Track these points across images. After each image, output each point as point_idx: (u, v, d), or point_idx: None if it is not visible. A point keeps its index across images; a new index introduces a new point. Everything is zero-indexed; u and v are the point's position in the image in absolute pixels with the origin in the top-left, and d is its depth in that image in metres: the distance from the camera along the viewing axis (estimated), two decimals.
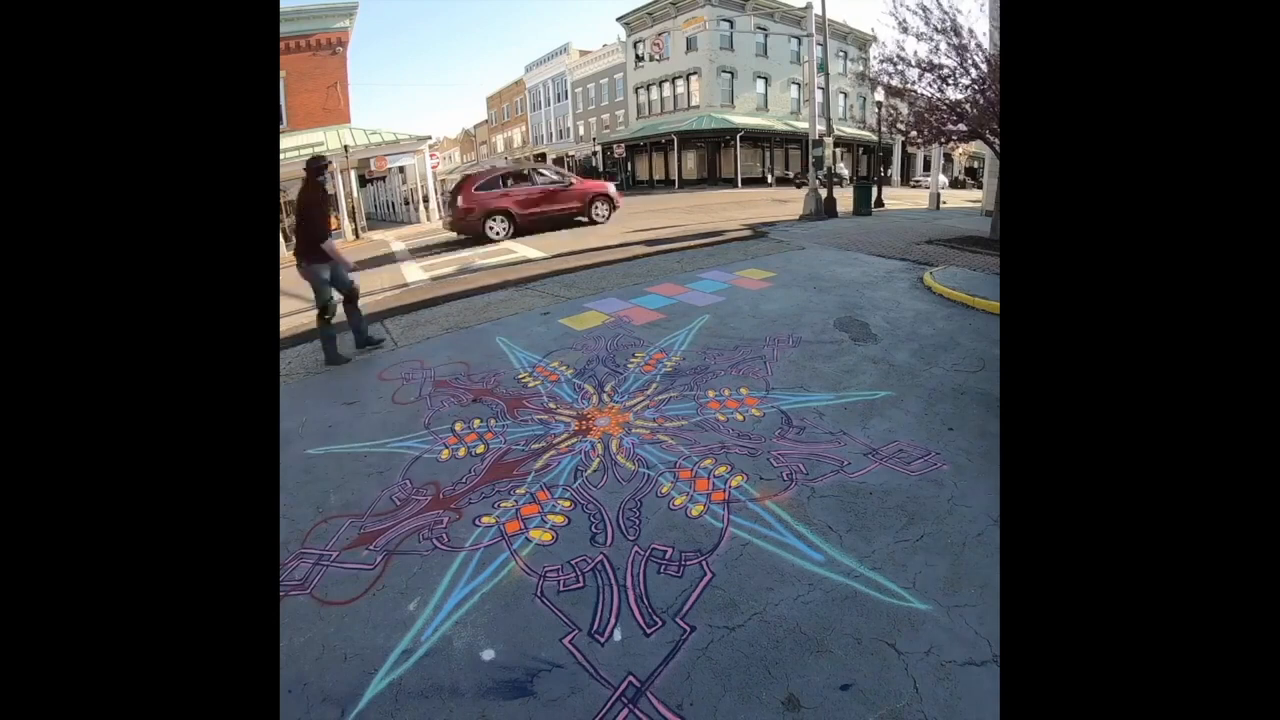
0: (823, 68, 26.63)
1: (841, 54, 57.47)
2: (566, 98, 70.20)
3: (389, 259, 22.12)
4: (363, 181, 39.55)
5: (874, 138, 35.62)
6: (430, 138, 38.77)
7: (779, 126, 53.89)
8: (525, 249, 19.71)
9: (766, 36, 53.10)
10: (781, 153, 55.77)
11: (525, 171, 25.04)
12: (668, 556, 4.41)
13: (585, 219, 24.81)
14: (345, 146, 32.27)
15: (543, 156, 75.97)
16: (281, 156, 29.55)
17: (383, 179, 44.37)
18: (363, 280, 17.08)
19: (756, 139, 53.01)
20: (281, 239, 28.47)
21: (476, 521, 5.00)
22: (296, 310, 14.02)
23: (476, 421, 6.86)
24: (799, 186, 41.42)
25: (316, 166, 8.88)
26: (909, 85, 17.87)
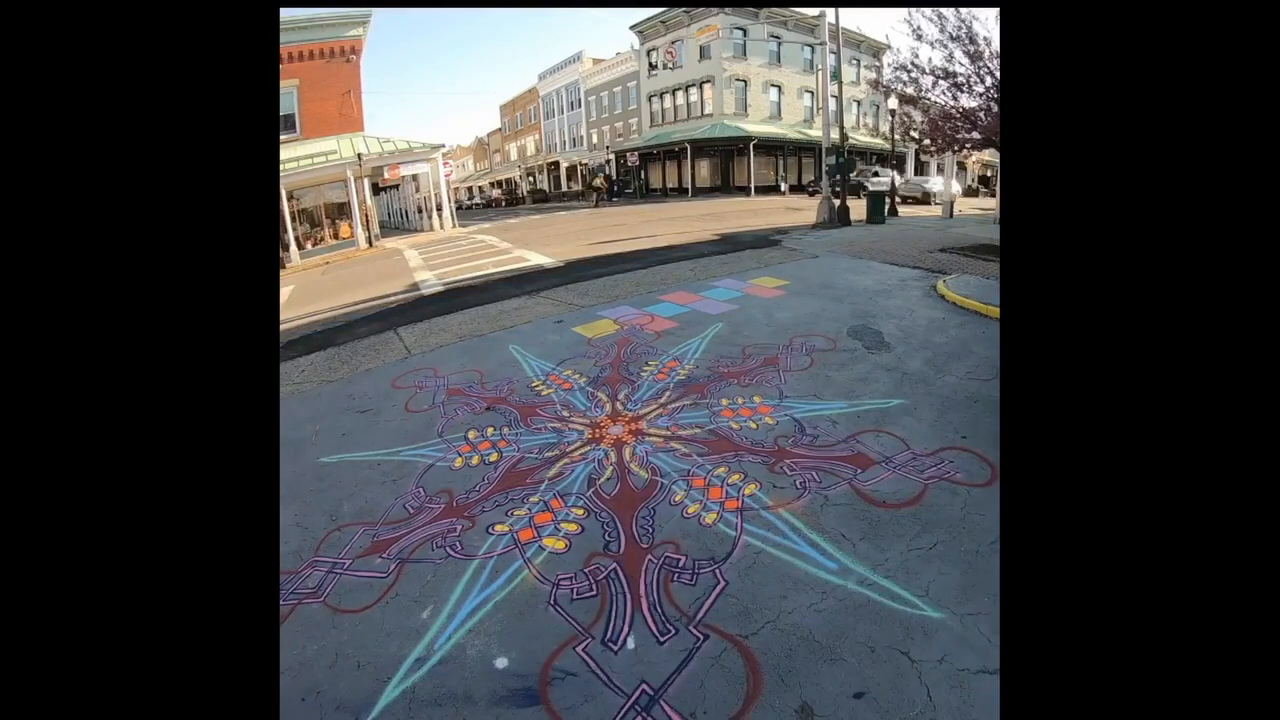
0: (836, 76, 26.62)
1: (855, 61, 57.37)
2: (580, 106, 70.17)
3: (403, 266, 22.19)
4: (376, 189, 39.65)
5: (887, 146, 35.55)
6: (444, 146, 38.83)
7: (792, 135, 53.75)
8: (538, 256, 19.75)
9: (780, 45, 53.01)
10: (795, 161, 55.62)
11: None
12: (681, 564, 4.41)
13: None
14: (359, 154, 32.37)
15: (556, 165, 76.17)
16: (295, 164, 29.67)
17: (396, 187, 44.45)
18: (375, 287, 17.19)
19: (770, 147, 52.90)
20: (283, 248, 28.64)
21: (490, 530, 5.01)
22: (309, 315, 14.08)
23: (490, 430, 6.87)
24: (812, 194, 41.32)
25: None
26: (923, 93, 17.82)
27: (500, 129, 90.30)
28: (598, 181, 53.68)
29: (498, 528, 5.03)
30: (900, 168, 52.26)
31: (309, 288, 20.38)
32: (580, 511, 5.15)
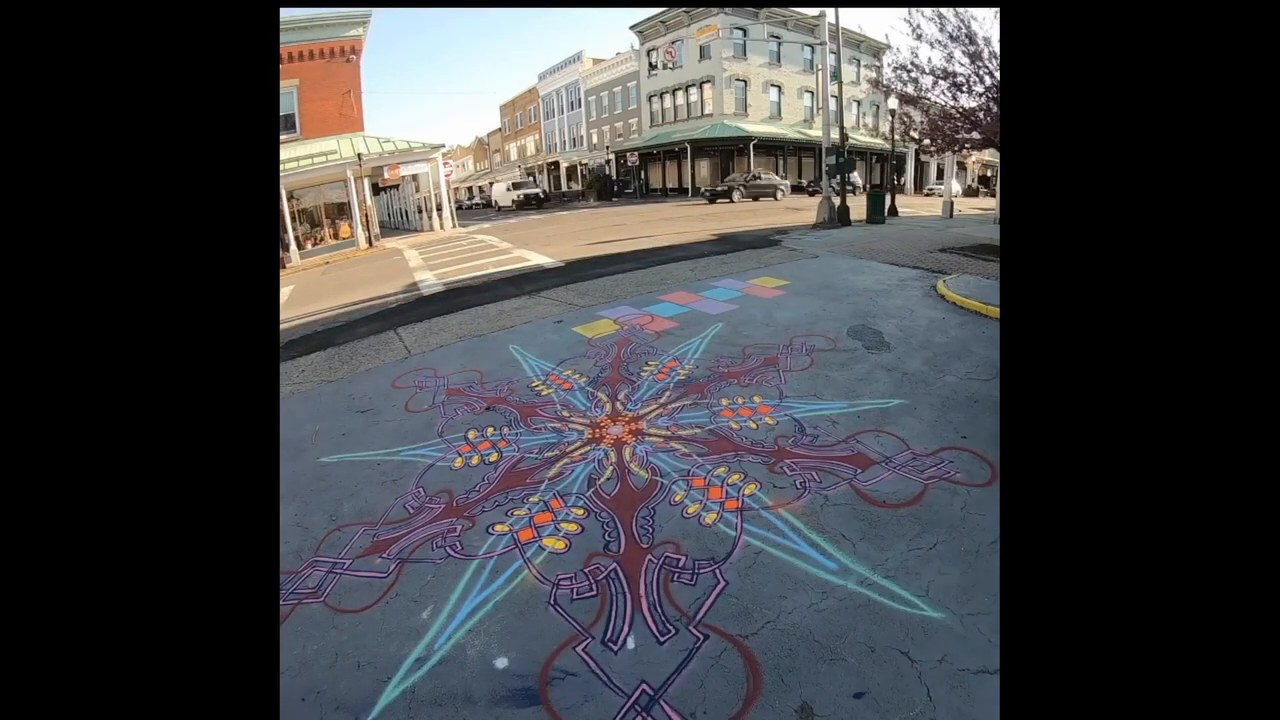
0: (836, 76, 26.62)
1: (855, 61, 57.30)
2: (580, 106, 70.09)
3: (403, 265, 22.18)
4: (376, 189, 39.61)
5: (887, 146, 35.55)
6: (443, 146, 38.76)
7: (792, 135, 53.70)
8: (538, 256, 19.75)
9: (780, 45, 53.02)
10: (795, 161, 55.57)
11: None
12: (681, 564, 4.41)
13: None
14: (359, 154, 32.35)
15: (556, 165, 76.14)
16: (295, 164, 29.65)
17: (396, 187, 44.44)
18: (375, 287, 17.19)
19: (770, 147, 52.84)
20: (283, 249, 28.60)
21: (490, 530, 5.01)
22: (309, 315, 14.06)
23: (490, 430, 6.87)
24: (812, 194, 41.29)
25: None
26: (922, 93, 17.83)
27: (500, 129, 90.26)
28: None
29: (498, 528, 5.03)
30: (901, 168, 52.26)
31: (309, 288, 20.39)
32: (580, 511, 5.15)
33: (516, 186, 56.70)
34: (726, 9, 48.74)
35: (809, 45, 50.42)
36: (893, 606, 3.94)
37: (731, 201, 39.59)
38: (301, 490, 5.95)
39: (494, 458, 6.24)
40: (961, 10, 15.29)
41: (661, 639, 3.80)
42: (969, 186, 57.34)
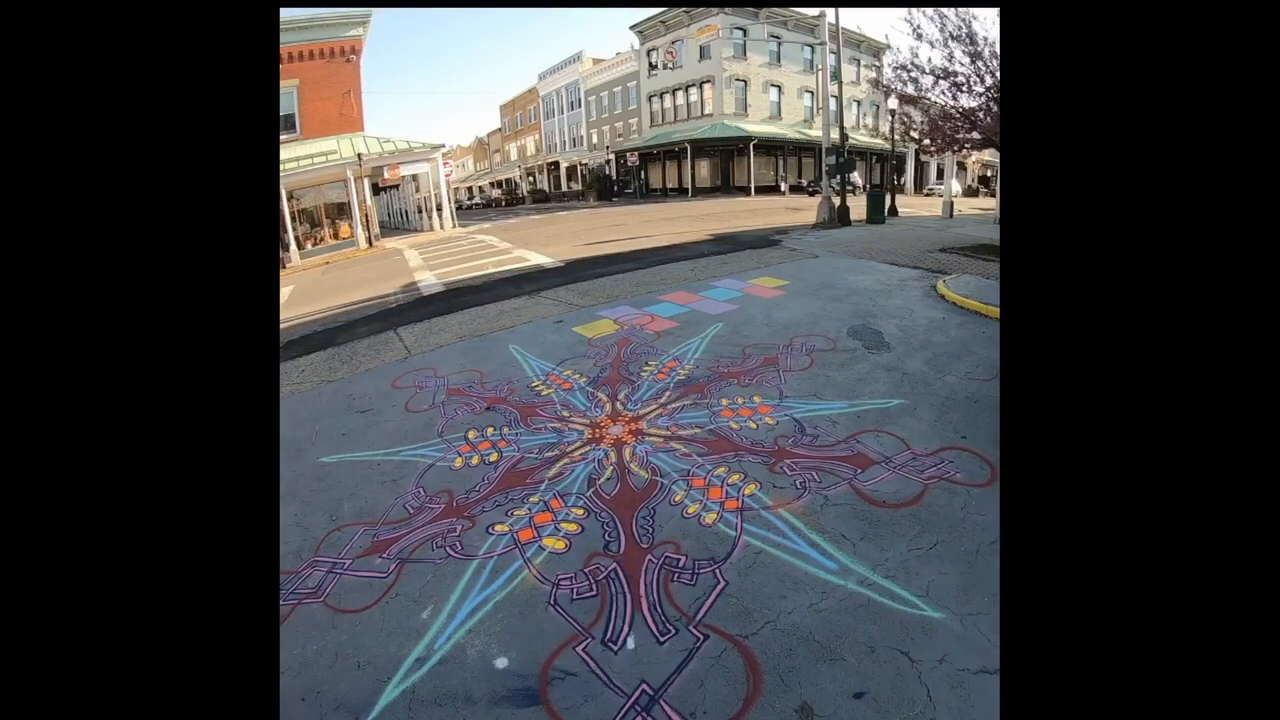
0: (836, 76, 26.61)
1: (855, 61, 57.25)
2: (580, 106, 70.01)
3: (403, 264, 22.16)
4: (376, 189, 39.57)
5: (887, 146, 35.56)
6: (443, 146, 38.73)
7: (792, 135, 53.68)
8: (538, 256, 19.75)
9: (780, 45, 52.99)
10: (795, 161, 55.54)
11: None
12: (681, 564, 4.41)
13: None
14: (359, 154, 32.33)
15: (556, 165, 76.11)
16: (295, 164, 29.62)
17: (396, 187, 44.40)
18: (375, 287, 17.18)
19: (770, 147, 52.83)
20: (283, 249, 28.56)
21: (490, 530, 5.01)
22: (309, 315, 14.06)
23: (490, 430, 6.87)
24: (812, 194, 41.29)
25: None
26: (922, 93, 17.84)
27: (500, 129, 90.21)
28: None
29: (498, 528, 5.03)
30: (901, 168, 52.22)
31: (309, 288, 20.38)
32: (580, 511, 5.15)
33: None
34: (726, 9, 48.72)
35: (809, 45, 50.40)
36: (893, 606, 3.94)
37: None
38: (301, 490, 5.95)
39: (494, 458, 6.24)
40: (961, 10, 15.30)
41: (661, 639, 3.80)
42: (969, 186, 57.29)
